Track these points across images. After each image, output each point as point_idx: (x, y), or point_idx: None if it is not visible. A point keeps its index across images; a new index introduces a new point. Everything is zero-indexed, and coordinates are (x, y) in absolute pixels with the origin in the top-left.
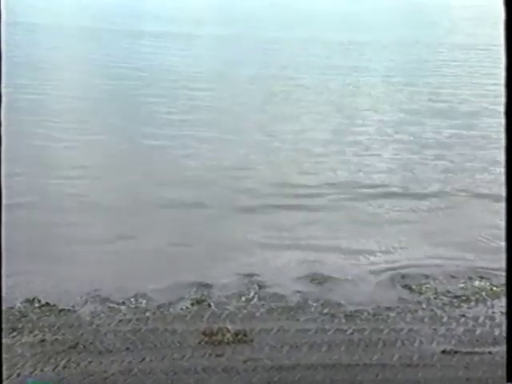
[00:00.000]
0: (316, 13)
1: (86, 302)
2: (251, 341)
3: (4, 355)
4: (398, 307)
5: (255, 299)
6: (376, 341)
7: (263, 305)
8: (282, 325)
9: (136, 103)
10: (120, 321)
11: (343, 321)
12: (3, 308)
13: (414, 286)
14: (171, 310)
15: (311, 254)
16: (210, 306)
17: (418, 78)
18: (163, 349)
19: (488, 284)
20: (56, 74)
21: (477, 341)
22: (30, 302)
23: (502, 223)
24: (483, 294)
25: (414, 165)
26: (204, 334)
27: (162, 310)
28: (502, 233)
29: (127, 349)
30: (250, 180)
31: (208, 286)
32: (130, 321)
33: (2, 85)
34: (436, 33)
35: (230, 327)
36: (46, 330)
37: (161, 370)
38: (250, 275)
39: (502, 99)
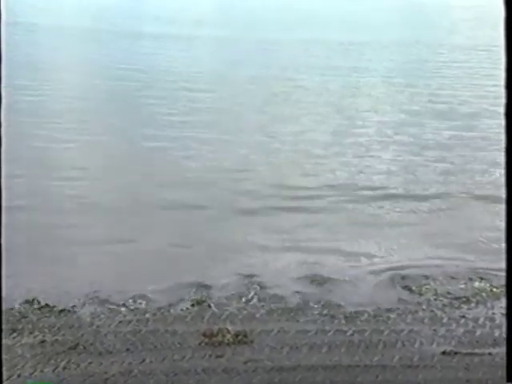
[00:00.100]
0: (316, 13)
1: (86, 303)
2: (251, 342)
3: (4, 356)
4: (398, 308)
5: (255, 300)
6: (376, 342)
7: (263, 306)
8: (282, 326)
9: (136, 104)
10: (120, 322)
11: (343, 322)
12: (3, 309)
13: (414, 287)
14: (171, 311)
15: (311, 256)
16: (210, 307)
17: (418, 78)
18: (163, 350)
19: (488, 285)
20: (56, 74)
21: (477, 342)
22: (30, 302)
23: (503, 224)
24: (483, 295)
25: (414, 166)
26: (204, 335)
27: (162, 311)
28: (503, 234)
29: (127, 350)
30: (250, 181)
31: (208, 287)
32: (130, 322)
33: (2, 85)
34: (436, 33)
35: (230, 328)
36: (46, 330)
37: (161, 371)
38: (250, 276)
39: (503, 100)
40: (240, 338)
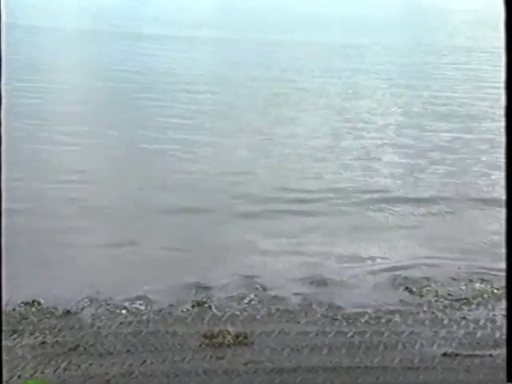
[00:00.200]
0: (316, 15)
1: (86, 305)
2: (252, 343)
3: (4, 357)
4: (398, 310)
5: (256, 302)
6: (377, 343)
7: (264, 307)
8: (282, 327)
9: (136, 106)
10: (121, 323)
11: (344, 323)
12: (4, 310)
13: (414, 289)
14: (172, 312)
15: (312, 258)
16: (210, 308)
17: (418, 80)
18: (164, 351)
19: (489, 286)
20: (56, 76)
21: (478, 343)
22: (31, 304)
23: (503, 227)
24: (484, 296)
25: (415, 169)
26: (205, 336)
27: (162, 312)
28: (503, 236)
29: (128, 351)
30: (251, 185)
31: (208, 288)
32: (130, 323)
33: (2, 87)
34: (436, 35)
35: (230, 330)
36: (47, 332)
37: (162, 373)
38: (251, 278)
39: (503, 102)
40: (240, 339)
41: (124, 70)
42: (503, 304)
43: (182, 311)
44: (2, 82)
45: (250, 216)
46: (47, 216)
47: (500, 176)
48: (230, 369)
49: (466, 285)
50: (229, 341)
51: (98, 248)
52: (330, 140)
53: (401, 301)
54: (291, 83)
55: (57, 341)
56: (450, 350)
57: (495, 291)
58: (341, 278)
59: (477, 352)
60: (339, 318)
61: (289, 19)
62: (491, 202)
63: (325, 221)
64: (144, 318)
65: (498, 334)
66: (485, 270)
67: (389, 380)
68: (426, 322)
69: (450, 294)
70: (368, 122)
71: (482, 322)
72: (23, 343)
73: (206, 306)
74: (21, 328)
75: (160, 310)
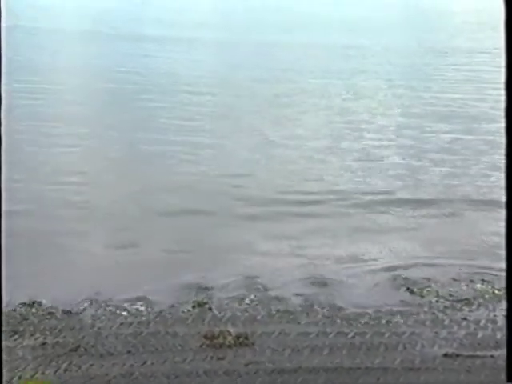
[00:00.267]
0: (317, 16)
1: (87, 306)
2: (252, 344)
3: (5, 358)
4: (399, 310)
5: (256, 302)
6: (377, 344)
7: (264, 308)
8: (283, 328)
9: (136, 107)
10: (121, 324)
11: (345, 324)
12: (4, 311)
13: (415, 289)
14: (172, 313)
15: (312, 259)
16: (211, 309)
17: (419, 81)
18: (164, 352)
19: (490, 287)
20: (56, 77)
21: (478, 344)
22: (31, 305)
23: (504, 228)
24: (485, 297)
25: (416, 170)
26: (205, 337)
27: (163, 313)
28: (504, 237)
29: (128, 352)
30: (251, 186)
31: (209, 289)
32: (131, 324)
33: (2, 88)
34: (437, 36)
35: (231, 330)
36: (48, 332)
37: (162, 374)
38: (251, 278)
39: (503, 103)
40: (241, 340)
41: (124, 72)
42: (504, 305)
43: (183, 312)
44: (2, 82)
45: (250, 217)
46: (47, 217)
47: (500, 177)
48: (231, 369)
49: (467, 285)
50: (229, 341)
51: (99, 249)
52: (331, 141)
53: (401, 301)
54: (292, 84)
55: (57, 342)
56: (450, 351)
57: (496, 292)
58: (341, 279)
59: (478, 353)
60: (340, 318)
61: (289, 20)
62: (491, 203)
63: (325, 222)
64: (144, 318)
65: (498, 335)
66: (485, 271)
67: (390, 381)
68: (427, 323)
69: (450, 295)
70: (369, 123)
71: (482, 323)
72: (24, 344)
73: (207, 306)
74: (21, 329)
75: (160, 311)
